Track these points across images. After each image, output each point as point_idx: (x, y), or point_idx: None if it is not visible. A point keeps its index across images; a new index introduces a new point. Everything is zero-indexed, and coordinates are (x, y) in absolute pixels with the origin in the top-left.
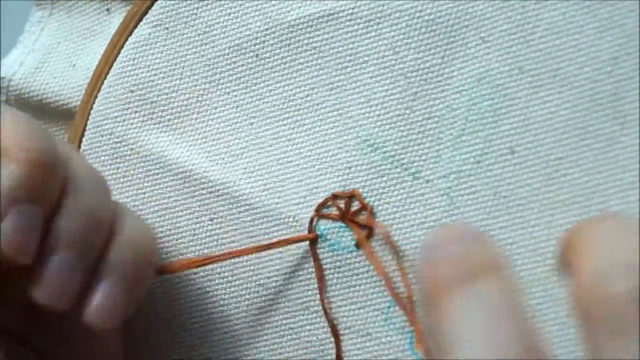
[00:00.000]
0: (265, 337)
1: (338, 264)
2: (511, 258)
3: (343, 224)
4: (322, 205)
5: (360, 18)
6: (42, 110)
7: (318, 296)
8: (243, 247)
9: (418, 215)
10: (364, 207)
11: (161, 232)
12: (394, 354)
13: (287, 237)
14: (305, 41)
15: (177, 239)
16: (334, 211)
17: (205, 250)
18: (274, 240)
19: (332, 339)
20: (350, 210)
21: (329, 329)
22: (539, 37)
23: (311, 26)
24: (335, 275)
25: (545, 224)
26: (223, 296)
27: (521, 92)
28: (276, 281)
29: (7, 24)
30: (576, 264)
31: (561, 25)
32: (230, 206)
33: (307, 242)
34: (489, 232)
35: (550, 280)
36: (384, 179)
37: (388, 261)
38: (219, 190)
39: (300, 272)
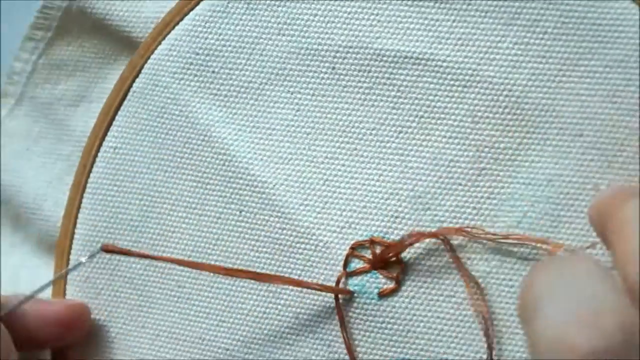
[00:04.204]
0: None
1: (356, 306)
2: None
3: (373, 271)
4: (358, 244)
5: (449, 73)
6: (100, 28)
7: (339, 334)
8: (264, 250)
9: (448, 288)
10: (397, 261)
11: (186, 203)
12: None
13: (312, 260)
14: (387, 75)
15: (199, 217)
16: (367, 254)
17: (225, 238)
18: (302, 279)
19: None
20: (384, 260)
21: None
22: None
23: (397, 62)
24: (351, 315)
25: None
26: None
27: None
28: (297, 310)
29: None
30: (615, 237)
31: None
32: (264, 206)
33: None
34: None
35: None
36: (426, 241)
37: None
38: (256, 186)
39: (322, 307)
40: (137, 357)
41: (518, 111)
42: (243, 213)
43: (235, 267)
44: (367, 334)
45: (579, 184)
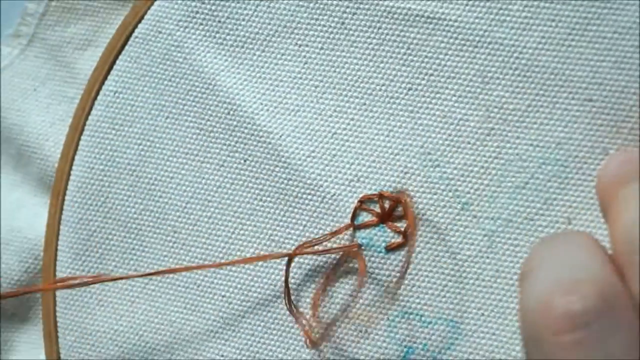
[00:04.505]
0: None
1: (362, 257)
2: None
3: (381, 224)
4: (367, 198)
5: (460, 34)
6: None
7: (342, 284)
8: (268, 199)
9: (454, 245)
10: (407, 216)
11: (187, 150)
12: None
13: (318, 211)
14: (397, 32)
15: (200, 163)
16: (376, 209)
17: (227, 186)
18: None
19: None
20: (392, 215)
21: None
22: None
23: (408, 20)
24: (357, 267)
25: None
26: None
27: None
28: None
29: None
30: (611, 216)
31: None
32: (269, 156)
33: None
34: None
35: None
36: (434, 197)
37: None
38: (262, 136)
39: (329, 257)
40: (128, 300)
41: (528, 73)
42: (247, 162)
43: (237, 214)
44: (372, 286)
45: (587, 147)
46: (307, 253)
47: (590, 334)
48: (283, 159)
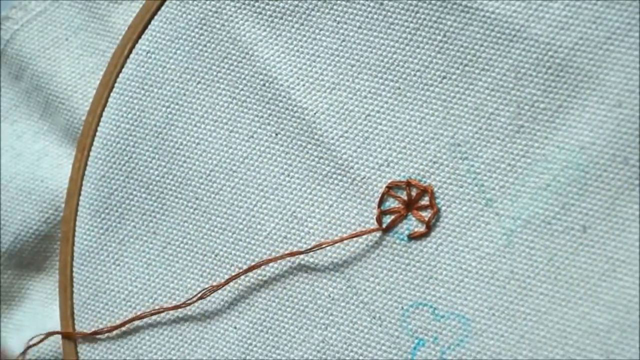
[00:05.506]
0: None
1: (384, 244)
2: (559, 330)
3: (407, 213)
4: (395, 184)
5: (496, 26)
6: None
7: (360, 269)
8: (296, 175)
9: (474, 240)
10: (431, 206)
11: (216, 117)
12: (394, 349)
13: (347, 192)
14: (434, 19)
15: (229, 132)
16: (403, 196)
17: (255, 158)
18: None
19: None
20: (418, 203)
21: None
22: None
23: (445, 7)
24: (378, 252)
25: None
26: None
27: (618, 180)
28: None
29: None
30: None
31: None
32: (302, 133)
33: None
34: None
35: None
36: (460, 190)
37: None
38: (296, 111)
39: (345, 241)
40: (144, 261)
41: (561, 74)
42: (279, 136)
43: (262, 187)
44: (390, 273)
45: (609, 155)
46: (336, 242)
47: None
48: (316, 137)
